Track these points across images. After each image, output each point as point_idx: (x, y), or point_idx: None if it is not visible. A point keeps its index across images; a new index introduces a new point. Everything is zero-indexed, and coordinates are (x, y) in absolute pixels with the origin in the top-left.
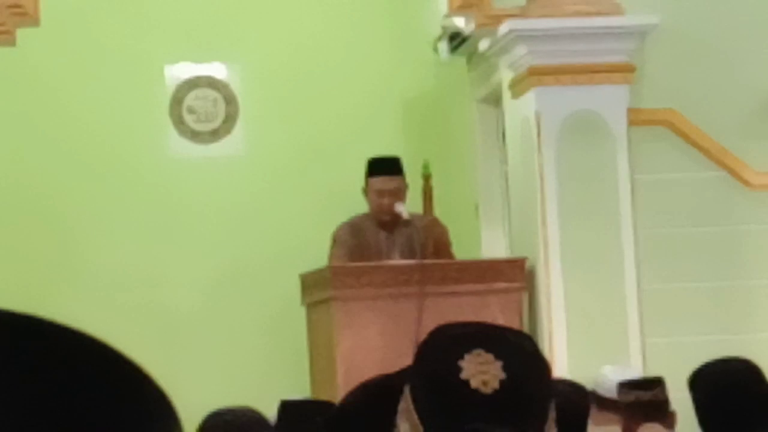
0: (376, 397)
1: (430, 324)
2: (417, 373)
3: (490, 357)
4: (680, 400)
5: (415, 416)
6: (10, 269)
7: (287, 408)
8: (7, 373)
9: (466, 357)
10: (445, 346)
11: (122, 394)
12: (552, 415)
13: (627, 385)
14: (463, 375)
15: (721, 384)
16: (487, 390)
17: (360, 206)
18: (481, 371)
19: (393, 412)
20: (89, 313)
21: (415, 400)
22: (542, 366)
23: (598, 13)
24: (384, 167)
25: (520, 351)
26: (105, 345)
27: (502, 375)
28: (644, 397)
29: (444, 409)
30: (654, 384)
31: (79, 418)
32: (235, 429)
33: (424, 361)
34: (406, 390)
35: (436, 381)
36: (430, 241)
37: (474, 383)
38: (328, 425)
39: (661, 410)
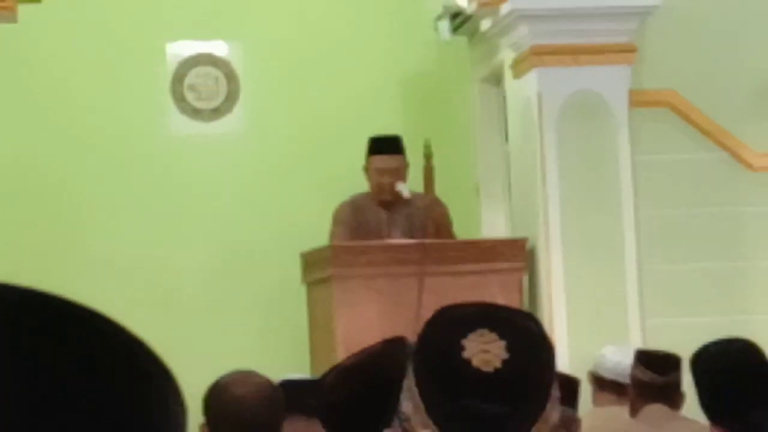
0: (364, 381)
1: (430, 303)
2: (420, 352)
3: (493, 336)
4: (683, 380)
5: (417, 394)
6: (12, 253)
7: (287, 387)
8: (15, 345)
9: (470, 336)
10: (449, 325)
11: (123, 365)
12: (555, 395)
13: (644, 363)
14: (466, 354)
15: (723, 364)
16: (489, 369)
17: (361, 185)
18: (483, 350)
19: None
20: (90, 292)
21: (417, 378)
22: (546, 348)
23: None
24: (385, 146)
25: (525, 332)
26: (105, 317)
27: (505, 355)
28: (658, 381)
29: (444, 386)
30: (672, 367)
31: (80, 390)
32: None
33: (427, 339)
34: (410, 368)
35: (438, 359)
36: (430, 220)
37: (475, 362)
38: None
39: (671, 392)
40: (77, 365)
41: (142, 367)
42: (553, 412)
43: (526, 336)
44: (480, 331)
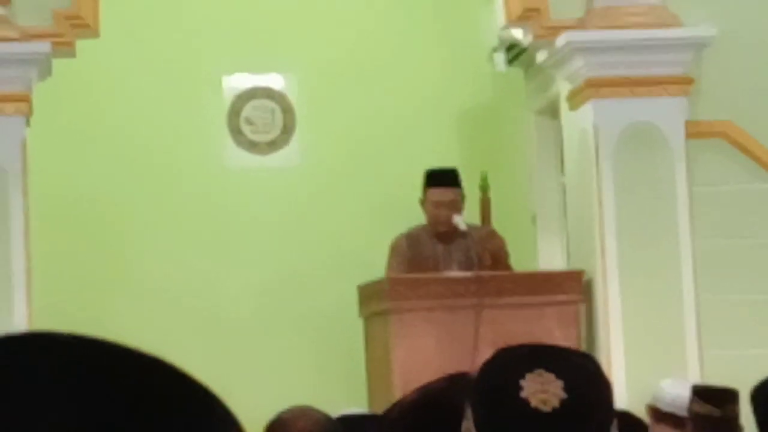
0: (427, 413)
1: (487, 336)
2: (478, 391)
3: (551, 377)
4: (742, 413)
5: None
6: (67, 281)
7: (345, 422)
8: (81, 396)
9: (528, 376)
10: (507, 364)
11: (193, 414)
12: None
13: (701, 396)
14: (524, 394)
15: None
16: (547, 408)
17: (415, 216)
18: (542, 390)
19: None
20: (145, 324)
21: (475, 418)
22: (604, 387)
23: (656, 25)
24: (441, 179)
25: (582, 371)
26: (173, 366)
27: (563, 395)
28: (715, 413)
29: (503, 427)
30: (727, 399)
31: None
32: None
33: (485, 379)
34: (468, 408)
35: (497, 399)
36: (487, 252)
37: (534, 402)
38: None
39: (728, 425)
40: (142, 413)
41: (207, 412)
42: None
43: (584, 375)
44: (537, 371)
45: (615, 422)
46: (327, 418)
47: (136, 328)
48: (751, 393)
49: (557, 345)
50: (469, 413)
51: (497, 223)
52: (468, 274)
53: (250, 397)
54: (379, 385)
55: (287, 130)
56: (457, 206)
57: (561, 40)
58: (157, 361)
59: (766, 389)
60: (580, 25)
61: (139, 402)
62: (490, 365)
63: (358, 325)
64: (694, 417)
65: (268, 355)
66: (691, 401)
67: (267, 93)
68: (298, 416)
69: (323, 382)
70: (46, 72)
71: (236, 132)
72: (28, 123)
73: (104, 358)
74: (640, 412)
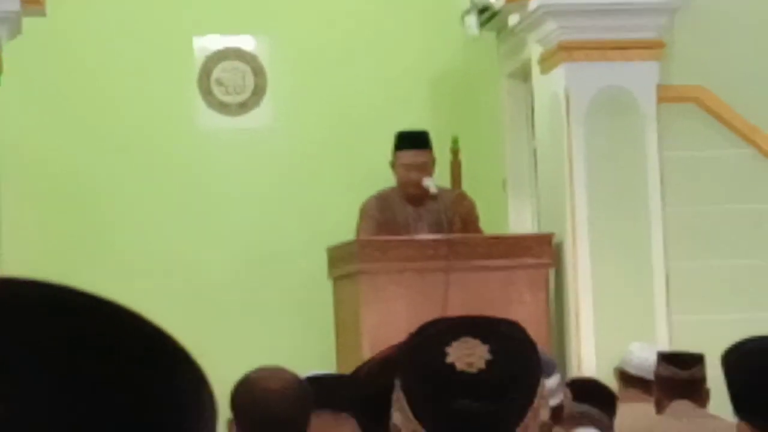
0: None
1: (456, 298)
2: (405, 361)
3: (476, 342)
4: (708, 376)
5: (405, 405)
6: (38, 245)
7: (313, 383)
8: (52, 347)
9: (454, 344)
10: (433, 335)
11: (150, 358)
12: (542, 394)
13: (666, 359)
14: (450, 359)
15: (757, 361)
16: (472, 370)
17: (388, 180)
18: (468, 354)
19: None
20: (118, 288)
21: (404, 389)
22: (529, 349)
23: None
24: (412, 141)
25: (508, 337)
26: (131, 311)
27: (488, 356)
28: (681, 375)
29: (431, 392)
30: (693, 362)
31: (110, 382)
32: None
33: (412, 350)
34: (397, 381)
35: (424, 367)
36: (457, 215)
37: (459, 365)
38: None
39: (695, 388)
40: (104, 358)
41: (170, 360)
42: (542, 409)
43: (509, 340)
44: (464, 338)
45: (543, 383)
46: (295, 378)
47: (110, 292)
48: (722, 356)
49: (483, 315)
50: (398, 383)
51: (468, 187)
52: (438, 236)
53: (220, 358)
54: (347, 346)
55: (258, 92)
56: (427, 169)
57: (533, 3)
58: (120, 307)
59: (736, 353)
60: None
61: (100, 344)
62: (416, 336)
63: (330, 287)
64: (660, 380)
65: (239, 317)
66: (657, 365)
67: (238, 54)
68: (266, 376)
69: (294, 343)
70: (15, 30)
71: (207, 93)
72: None
73: (63, 299)
74: (608, 376)
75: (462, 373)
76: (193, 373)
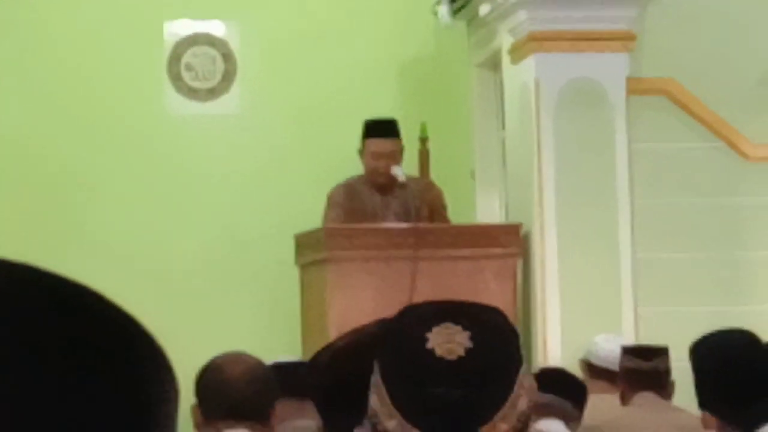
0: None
1: (423, 287)
2: (385, 345)
3: (457, 329)
4: (673, 369)
5: (384, 389)
6: (9, 228)
7: (278, 370)
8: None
9: (434, 329)
10: (414, 320)
11: (112, 340)
12: (521, 383)
13: (630, 352)
14: (429, 345)
15: (723, 355)
16: (452, 357)
17: (356, 167)
18: (448, 341)
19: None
20: (87, 271)
21: (383, 373)
22: (511, 337)
23: None
24: (381, 129)
25: (489, 324)
26: (96, 293)
27: (469, 344)
28: (644, 366)
29: (409, 377)
30: (657, 353)
31: (71, 366)
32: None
33: (392, 334)
34: (376, 364)
35: (403, 351)
36: (425, 204)
37: (439, 351)
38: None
39: (659, 380)
40: (65, 339)
41: (133, 342)
42: (521, 399)
43: (490, 327)
44: (444, 324)
45: (523, 371)
46: (259, 364)
47: (79, 276)
48: (690, 348)
49: (466, 300)
50: (377, 367)
51: (436, 176)
52: (405, 225)
53: (188, 343)
54: (313, 333)
55: (228, 78)
56: (395, 157)
57: None
58: (85, 290)
59: (704, 345)
60: None
61: (60, 329)
62: (397, 320)
63: (296, 273)
64: (624, 371)
65: (207, 303)
66: (621, 357)
67: (208, 40)
68: (230, 361)
69: (261, 329)
70: None
71: (176, 78)
72: None
73: (27, 282)
74: (574, 367)
75: (441, 359)
76: (157, 359)
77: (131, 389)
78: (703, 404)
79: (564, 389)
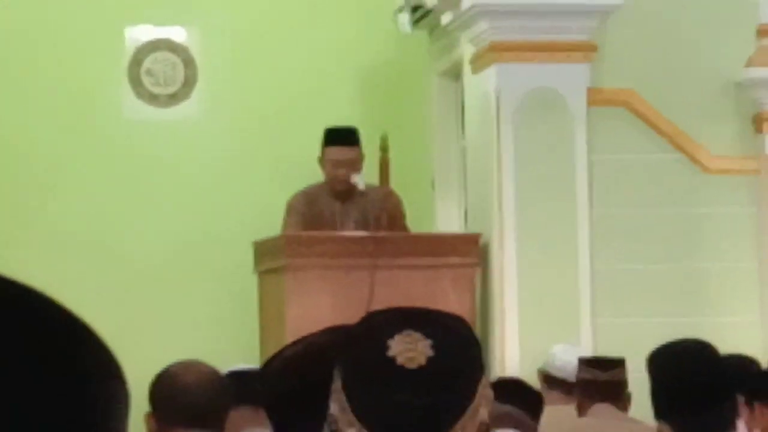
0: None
1: (381, 296)
2: (346, 352)
3: (419, 336)
4: (630, 380)
5: (344, 396)
6: None
7: (234, 378)
8: None
9: (396, 337)
10: (375, 327)
11: (65, 347)
12: (482, 393)
13: (587, 363)
14: (391, 353)
15: (678, 364)
16: (413, 366)
17: (316, 174)
18: (409, 349)
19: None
20: (43, 273)
21: (344, 380)
22: (472, 346)
23: None
24: (340, 137)
25: (451, 332)
26: (45, 296)
27: (430, 352)
28: (601, 377)
29: (370, 385)
30: (614, 365)
31: (13, 369)
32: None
33: (354, 340)
34: (336, 371)
35: (364, 359)
36: (384, 212)
37: (400, 360)
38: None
39: (616, 391)
40: (10, 343)
41: (85, 351)
42: (482, 409)
43: (453, 336)
44: (406, 332)
45: (484, 381)
46: (213, 371)
47: (35, 278)
48: (648, 358)
49: (428, 308)
50: (337, 374)
51: (396, 185)
52: (364, 233)
53: (143, 349)
54: (272, 341)
55: (188, 84)
56: (355, 165)
57: (466, 2)
58: (38, 295)
59: (662, 355)
60: None
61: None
62: (359, 327)
63: (254, 280)
64: (581, 383)
65: (164, 308)
66: (578, 368)
67: (169, 45)
68: (184, 369)
69: (218, 335)
70: None
71: (137, 84)
72: None
73: None
74: (532, 377)
75: (402, 368)
76: (108, 365)
77: (84, 397)
78: (658, 414)
79: (520, 399)
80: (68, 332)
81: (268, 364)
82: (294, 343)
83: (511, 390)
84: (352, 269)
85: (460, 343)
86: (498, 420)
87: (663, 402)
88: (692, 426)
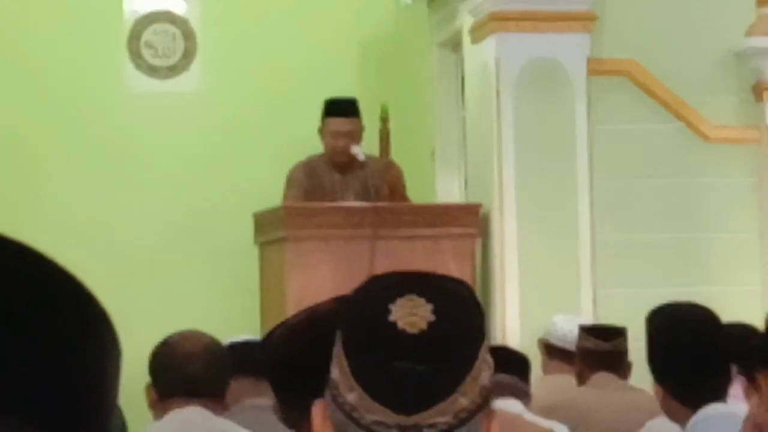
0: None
1: (382, 266)
2: (348, 315)
3: (421, 301)
4: (631, 349)
5: (344, 360)
6: None
7: (235, 349)
8: None
9: (398, 301)
10: (377, 291)
11: (65, 310)
12: (483, 358)
13: (587, 331)
14: (392, 317)
15: (679, 328)
16: (414, 330)
17: (317, 146)
18: (411, 313)
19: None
20: (46, 246)
21: (344, 344)
22: (474, 311)
23: None
24: (340, 108)
25: (453, 296)
26: (39, 253)
27: (432, 317)
28: (602, 346)
29: (370, 349)
30: (615, 334)
31: (22, 330)
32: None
33: (355, 305)
34: (338, 334)
35: (365, 324)
36: (384, 183)
37: (401, 324)
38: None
39: (617, 360)
40: (10, 296)
41: (75, 301)
42: (483, 373)
43: (455, 300)
44: (408, 296)
45: (485, 346)
46: (213, 341)
47: (42, 248)
48: (646, 316)
49: (431, 272)
50: (338, 337)
51: (396, 156)
52: (364, 204)
53: (145, 321)
54: (272, 312)
55: (188, 56)
56: (355, 136)
57: None
58: (24, 247)
59: (660, 314)
60: None
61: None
62: (360, 291)
63: (256, 252)
64: (582, 351)
65: (165, 280)
66: (579, 337)
67: (168, 17)
68: (183, 339)
69: (219, 307)
70: None
71: (136, 56)
72: None
73: None
74: (533, 347)
75: (403, 332)
76: (98, 320)
77: (70, 345)
78: (653, 375)
79: (510, 366)
80: (63, 285)
81: (271, 334)
82: (297, 314)
83: (501, 357)
84: (352, 240)
85: (461, 308)
86: (496, 388)
87: (657, 362)
88: (686, 392)
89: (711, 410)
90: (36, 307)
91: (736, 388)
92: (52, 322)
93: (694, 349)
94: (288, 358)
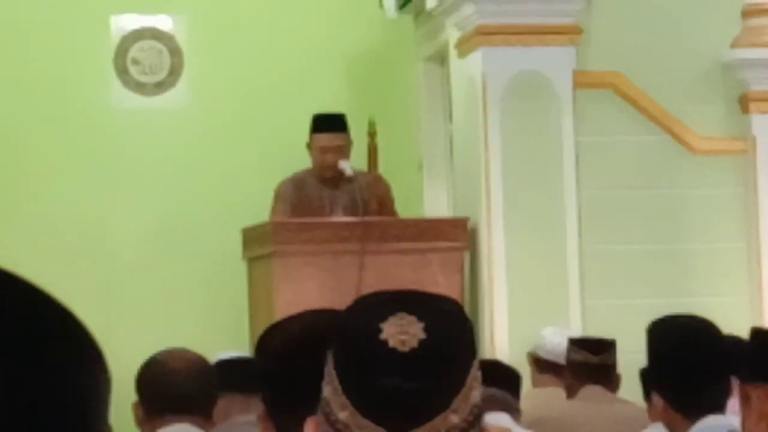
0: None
1: (370, 281)
2: (339, 335)
3: (412, 319)
4: (619, 361)
5: (336, 378)
6: None
7: (223, 367)
8: None
9: (389, 319)
10: (368, 310)
11: (48, 334)
12: (474, 375)
13: (577, 344)
14: (383, 336)
15: (680, 338)
16: (405, 349)
17: (303, 162)
18: (401, 332)
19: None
20: (31, 261)
21: (336, 363)
22: (464, 328)
23: None
24: (328, 124)
25: (444, 314)
26: (36, 288)
27: (422, 335)
28: (592, 360)
29: (361, 367)
30: (604, 347)
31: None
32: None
33: (346, 324)
34: (329, 354)
35: (356, 342)
36: (372, 198)
37: (392, 343)
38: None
39: (606, 373)
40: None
41: (64, 333)
42: (474, 391)
43: (446, 318)
44: (399, 314)
45: (476, 363)
46: (200, 358)
47: (22, 265)
48: (647, 327)
49: (421, 290)
50: (330, 356)
51: (384, 170)
52: (352, 219)
53: (132, 337)
54: (261, 328)
55: (174, 72)
56: (343, 151)
57: None
58: (27, 285)
59: (661, 325)
60: None
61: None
62: (351, 310)
63: (244, 268)
64: (571, 364)
65: (153, 297)
66: (568, 350)
67: (155, 34)
68: (171, 356)
69: (206, 323)
70: None
71: (123, 72)
72: None
73: None
74: (522, 360)
75: (394, 351)
76: (90, 353)
77: (59, 377)
78: (653, 385)
79: (501, 380)
80: (50, 314)
81: (266, 341)
82: (290, 318)
83: (493, 372)
84: (340, 255)
85: (452, 326)
86: (487, 403)
87: (658, 373)
88: (685, 402)
89: (710, 421)
90: (21, 340)
91: (734, 401)
92: (38, 353)
93: (695, 359)
94: (286, 368)
